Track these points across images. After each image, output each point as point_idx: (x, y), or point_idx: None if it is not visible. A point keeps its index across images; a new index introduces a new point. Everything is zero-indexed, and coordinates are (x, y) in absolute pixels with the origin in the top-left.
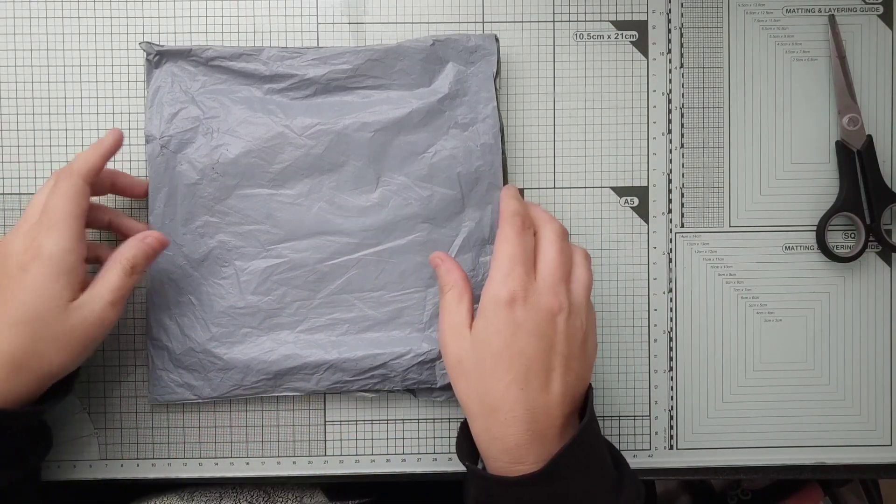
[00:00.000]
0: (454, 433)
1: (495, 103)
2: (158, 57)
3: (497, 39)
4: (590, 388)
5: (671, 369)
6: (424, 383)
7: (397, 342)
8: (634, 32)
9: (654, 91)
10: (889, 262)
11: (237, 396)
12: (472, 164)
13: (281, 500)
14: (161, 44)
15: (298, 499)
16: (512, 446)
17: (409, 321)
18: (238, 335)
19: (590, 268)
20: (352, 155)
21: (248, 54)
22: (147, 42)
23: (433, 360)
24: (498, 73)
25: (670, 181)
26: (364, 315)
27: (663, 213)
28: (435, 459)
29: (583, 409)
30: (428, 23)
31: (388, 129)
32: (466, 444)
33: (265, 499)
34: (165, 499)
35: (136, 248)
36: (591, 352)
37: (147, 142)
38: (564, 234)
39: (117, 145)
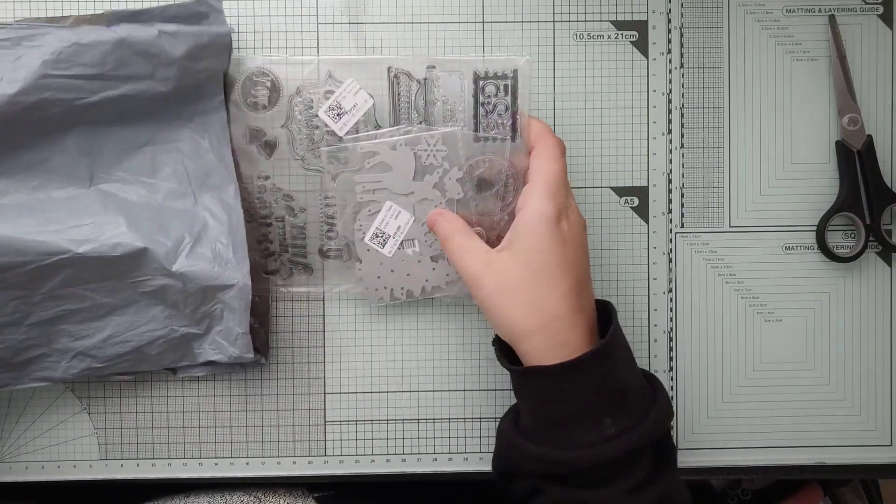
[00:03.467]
0: (455, 433)
1: (222, 97)
2: None
3: (230, 36)
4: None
5: (671, 369)
6: (183, 361)
7: (147, 322)
8: (634, 32)
9: (654, 91)
10: (889, 262)
11: None
12: (201, 158)
13: None
14: None
15: None
16: (576, 347)
17: (156, 301)
18: None
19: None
20: (55, 150)
21: None
22: None
23: (192, 338)
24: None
25: (670, 181)
26: (100, 303)
27: (663, 213)
28: (435, 459)
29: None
30: (428, 23)
31: (99, 122)
32: (508, 360)
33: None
34: None
35: None
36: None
37: None
38: (563, 149)
39: None
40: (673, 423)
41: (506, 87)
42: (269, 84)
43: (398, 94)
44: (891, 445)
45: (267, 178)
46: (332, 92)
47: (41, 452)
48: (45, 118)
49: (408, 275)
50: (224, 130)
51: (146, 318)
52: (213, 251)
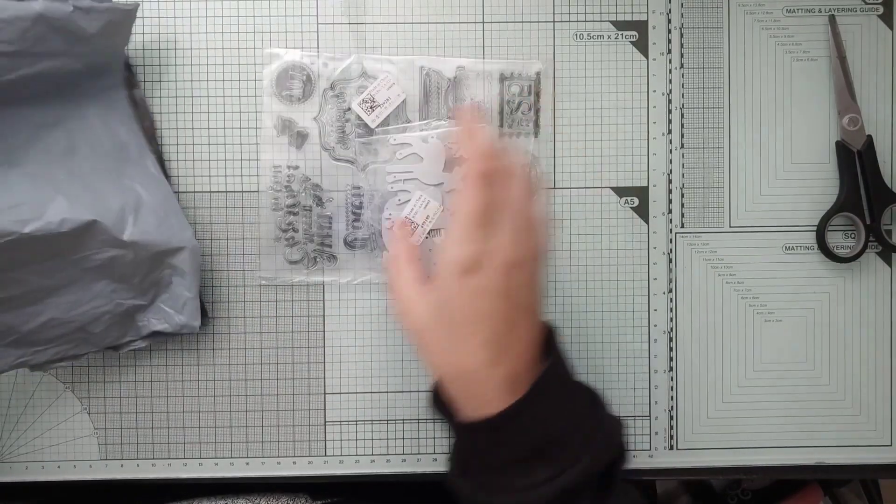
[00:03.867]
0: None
1: (124, 72)
2: None
3: (136, 9)
4: (551, 328)
5: (671, 369)
6: (126, 337)
7: (92, 299)
8: (634, 32)
9: (654, 91)
10: (889, 262)
11: None
12: (113, 133)
13: None
14: None
15: None
16: (491, 399)
17: (101, 276)
18: None
19: (534, 201)
20: None
21: None
22: None
23: (136, 310)
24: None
25: (670, 181)
26: (38, 286)
27: (663, 213)
28: (435, 459)
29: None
30: (428, 23)
31: (12, 102)
32: (441, 403)
33: None
34: None
35: None
36: (540, 289)
37: None
38: (525, 184)
39: None
40: (673, 423)
41: (529, 87)
42: (304, 78)
43: (429, 91)
44: (891, 445)
45: (296, 167)
46: (364, 87)
47: (41, 452)
48: None
49: (434, 263)
50: (126, 105)
51: (90, 294)
52: (157, 217)
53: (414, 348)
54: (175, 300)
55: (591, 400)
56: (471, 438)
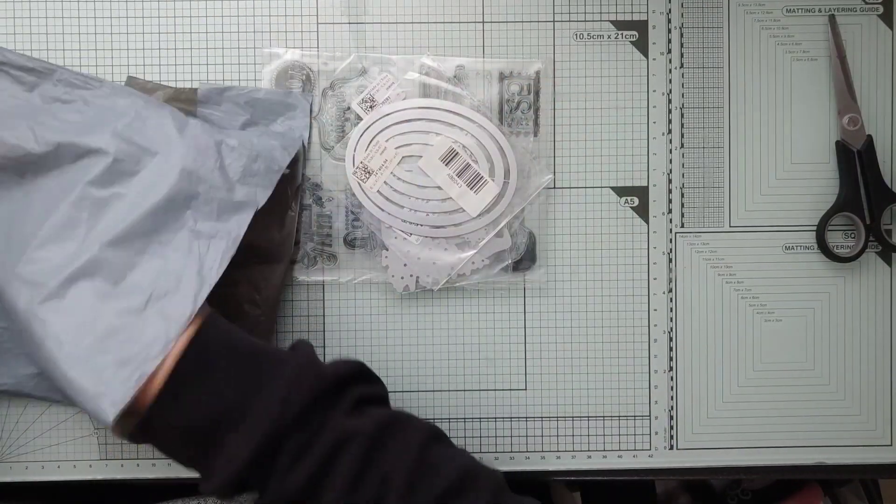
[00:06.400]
0: (455, 433)
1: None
2: None
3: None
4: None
5: (671, 369)
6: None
7: None
8: (634, 32)
9: (654, 91)
10: (889, 262)
11: None
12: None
13: None
14: None
15: None
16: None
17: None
18: None
19: None
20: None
21: (41, 71)
22: None
23: None
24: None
25: (670, 181)
26: None
27: (663, 213)
28: None
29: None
30: (428, 23)
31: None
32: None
33: None
34: None
35: None
36: None
37: None
38: None
39: None
40: (673, 423)
41: (529, 86)
42: (303, 77)
43: (429, 91)
44: (891, 445)
45: None
46: (364, 86)
47: (41, 452)
48: None
49: (434, 263)
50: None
51: None
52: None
53: (413, 348)
54: None
55: (258, 352)
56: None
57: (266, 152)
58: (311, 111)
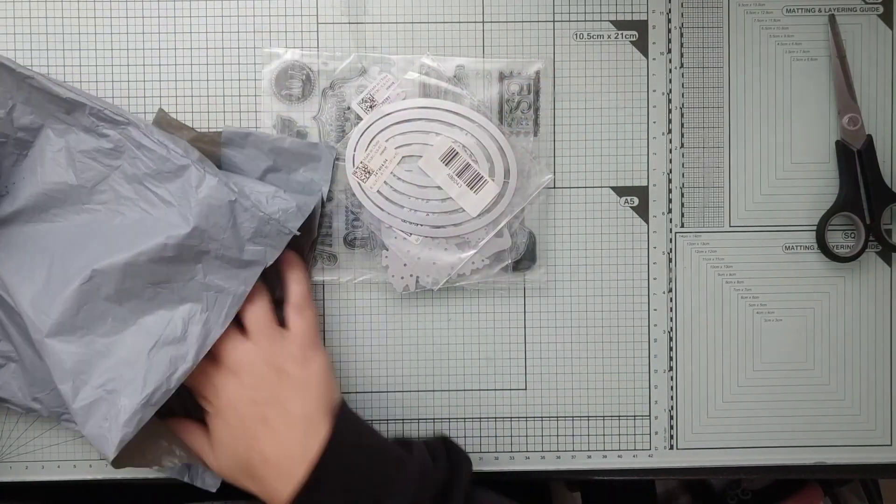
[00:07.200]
0: (455, 433)
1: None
2: None
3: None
4: (341, 402)
5: (671, 369)
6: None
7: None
8: (634, 32)
9: (654, 91)
10: (889, 262)
11: None
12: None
13: None
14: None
15: None
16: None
17: None
18: None
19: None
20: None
21: (72, 102)
22: None
23: None
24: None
25: (670, 181)
26: None
27: (663, 213)
28: None
29: None
30: (428, 23)
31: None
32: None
33: None
34: None
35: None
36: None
37: None
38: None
39: None
40: (673, 423)
41: (528, 86)
42: (303, 77)
43: (428, 91)
44: (891, 445)
45: None
46: (364, 86)
47: (41, 452)
48: None
49: (434, 263)
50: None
51: None
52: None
53: (413, 348)
54: None
55: (384, 451)
56: None
57: (279, 214)
58: (333, 164)
